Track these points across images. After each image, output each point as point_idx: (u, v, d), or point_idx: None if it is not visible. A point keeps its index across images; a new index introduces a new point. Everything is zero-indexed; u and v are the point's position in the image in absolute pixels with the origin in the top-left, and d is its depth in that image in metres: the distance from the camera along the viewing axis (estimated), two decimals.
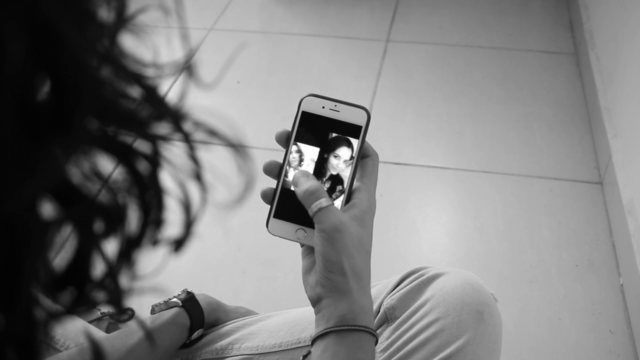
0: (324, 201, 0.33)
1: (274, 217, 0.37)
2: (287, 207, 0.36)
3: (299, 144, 0.36)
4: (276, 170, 0.37)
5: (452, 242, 0.90)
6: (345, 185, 0.36)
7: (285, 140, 0.37)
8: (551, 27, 1.33)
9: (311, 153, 0.36)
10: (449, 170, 1.00)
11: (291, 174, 0.36)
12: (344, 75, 1.22)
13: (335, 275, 0.32)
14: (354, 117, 0.36)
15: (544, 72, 1.20)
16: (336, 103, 0.36)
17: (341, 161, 0.36)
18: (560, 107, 1.12)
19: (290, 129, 0.37)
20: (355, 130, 0.36)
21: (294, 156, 0.36)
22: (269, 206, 0.37)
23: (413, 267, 0.48)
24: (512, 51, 1.26)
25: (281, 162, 0.37)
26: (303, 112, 0.37)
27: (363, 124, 0.36)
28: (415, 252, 0.88)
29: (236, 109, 1.15)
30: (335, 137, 0.36)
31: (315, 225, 0.33)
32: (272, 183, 0.37)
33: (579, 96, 1.14)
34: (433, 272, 0.46)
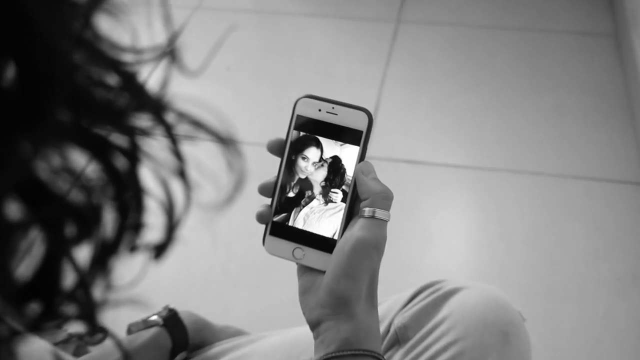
0: (388, 215, 0.34)
1: (270, 234, 0.38)
2: (284, 223, 0.38)
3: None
4: (271, 188, 0.38)
5: (473, 252, 0.90)
6: (347, 199, 0.36)
7: (279, 149, 0.38)
8: (587, 5, 1.33)
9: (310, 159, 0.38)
10: (468, 170, 1.01)
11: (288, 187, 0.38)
12: (349, 61, 1.22)
13: (348, 292, 0.33)
14: (354, 120, 0.37)
15: (579, 56, 1.21)
16: (334, 105, 0.37)
17: (310, 163, 0.37)
18: (597, 97, 1.12)
19: (285, 137, 0.38)
20: (355, 136, 0.36)
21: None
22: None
23: (427, 280, 0.48)
24: (541, 33, 1.27)
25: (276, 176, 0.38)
26: (298, 116, 0.37)
27: (364, 129, 0.36)
28: (430, 263, 0.89)
29: (225, 98, 1.15)
30: (303, 136, 0.37)
31: (357, 230, 0.34)
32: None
33: (619, 84, 1.14)
34: (450, 286, 0.46)
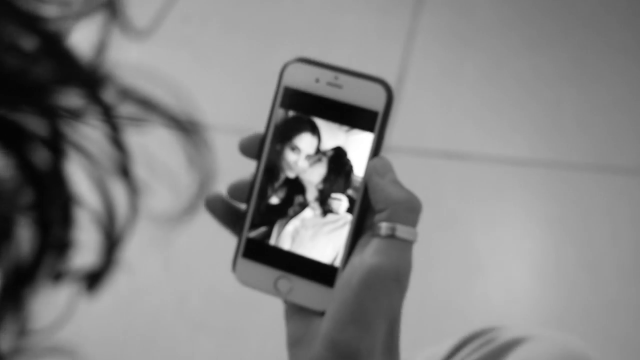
0: (414, 233, 0.35)
1: (244, 256, 0.38)
2: (264, 242, 0.38)
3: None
4: (246, 190, 0.38)
5: (542, 287, 0.90)
6: (355, 209, 0.37)
7: (257, 145, 0.38)
8: None
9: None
10: (535, 167, 1.01)
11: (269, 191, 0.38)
12: (360, 9, 1.23)
13: (356, 345, 0.33)
14: (366, 96, 0.37)
15: None
16: (337, 73, 0.37)
17: (302, 157, 0.38)
18: None
19: (266, 121, 0.38)
20: (368, 119, 0.37)
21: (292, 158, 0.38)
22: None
23: (476, 327, 0.49)
24: None
25: (252, 177, 0.38)
26: (286, 89, 0.38)
27: (380, 108, 0.37)
28: (480, 302, 0.89)
29: (185, 66, 1.16)
30: (293, 118, 0.38)
31: (370, 255, 0.34)
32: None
33: None
34: (509, 335, 0.47)
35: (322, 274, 0.37)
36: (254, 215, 0.38)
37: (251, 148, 0.38)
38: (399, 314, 0.35)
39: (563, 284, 0.91)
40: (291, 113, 0.38)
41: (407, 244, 0.35)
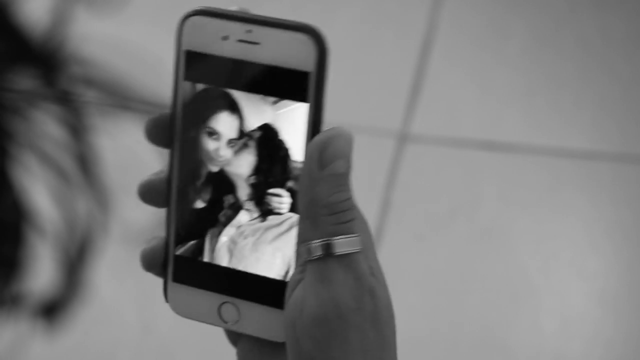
0: (357, 241, 0.34)
1: (175, 280, 0.39)
2: (196, 259, 0.39)
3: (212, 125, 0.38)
4: (163, 191, 0.39)
5: (609, 316, 0.90)
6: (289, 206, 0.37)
7: (165, 130, 0.38)
8: None
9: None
10: (602, 161, 1.01)
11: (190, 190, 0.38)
12: None
13: None
14: (291, 52, 0.37)
15: None
16: (250, 26, 0.37)
17: (223, 142, 0.38)
18: None
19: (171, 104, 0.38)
20: (297, 83, 0.37)
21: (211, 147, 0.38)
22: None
23: None
24: None
25: (167, 172, 0.39)
26: (188, 54, 0.38)
27: (311, 67, 0.37)
28: (528, 334, 0.89)
29: (164, 41, 1.15)
30: (203, 92, 0.38)
31: (310, 287, 0.34)
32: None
33: None
34: None
35: (273, 294, 0.37)
36: (178, 227, 0.39)
37: (160, 134, 0.38)
38: (381, 349, 0.34)
39: (638, 314, 0.91)
40: (200, 86, 0.38)
41: (353, 258, 0.34)
